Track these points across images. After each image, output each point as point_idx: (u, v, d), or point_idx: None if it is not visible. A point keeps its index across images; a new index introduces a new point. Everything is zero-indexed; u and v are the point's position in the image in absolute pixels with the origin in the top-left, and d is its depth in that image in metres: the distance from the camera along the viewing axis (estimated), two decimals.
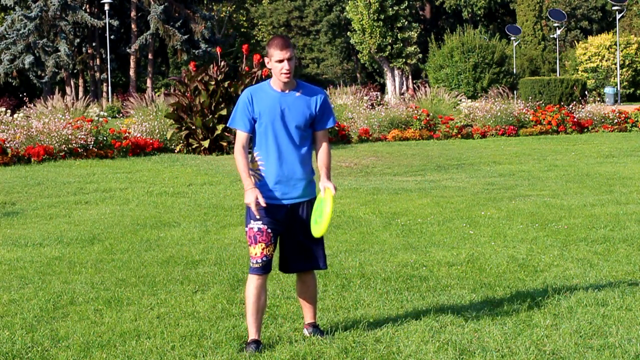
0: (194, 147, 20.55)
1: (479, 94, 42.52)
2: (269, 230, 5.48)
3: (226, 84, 20.39)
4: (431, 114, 25.60)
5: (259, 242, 5.47)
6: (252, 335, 5.52)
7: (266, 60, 5.50)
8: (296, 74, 60.68)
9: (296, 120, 5.49)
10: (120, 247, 9.35)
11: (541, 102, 32.81)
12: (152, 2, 53.52)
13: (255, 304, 5.50)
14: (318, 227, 5.46)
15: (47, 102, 25.27)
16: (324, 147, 5.68)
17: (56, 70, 52.63)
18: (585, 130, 27.04)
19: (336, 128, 23.55)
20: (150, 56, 56.36)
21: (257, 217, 5.43)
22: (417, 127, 25.02)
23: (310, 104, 5.54)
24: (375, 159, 19.06)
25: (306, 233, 5.57)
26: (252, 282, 5.53)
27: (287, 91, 5.52)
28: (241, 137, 5.51)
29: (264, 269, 5.51)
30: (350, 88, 30.25)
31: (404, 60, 46.25)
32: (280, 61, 5.42)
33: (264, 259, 5.48)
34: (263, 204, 5.35)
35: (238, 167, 5.49)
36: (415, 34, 46.73)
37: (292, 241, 5.59)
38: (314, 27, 71.70)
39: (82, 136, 19.32)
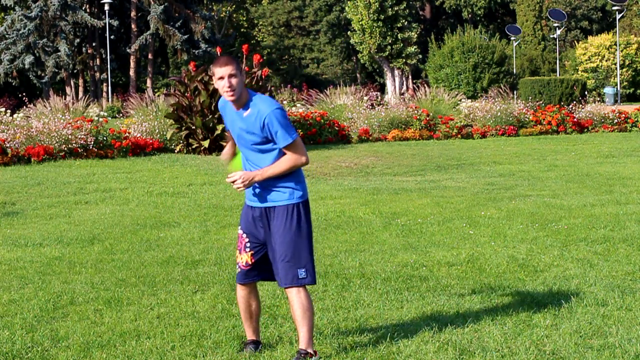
0: (194, 147, 20.55)
1: (479, 94, 42.52)
2: (244, 236, 5.37)
3: None
4: (431, 114, 25.59)
5: (237, 248, 5.43)
6: (250, 336, 5.54)
7: (213, 79, 5.25)
8: (296, 74, 60.00)
9: (249, 141, 5.23)
10: (120, 247, 9.35)
11: (541, 102, 32.79)
12: (152, 2, 53.52)
13: (246, 311, 5.47)
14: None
15: (47, 102, 25.26)
16: (285, 156, 5.21)
17: (56, 70, 52.62)
18: (585, 130, 27.04)
19: (336, 128, 23.56)
20: (150, 56, 56.36)
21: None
22: (417, 127, 25.02)
23: (255, 125, 5.16)
24: (375, 159, 19.06)
25: (272, 243, 5.24)
26: (237, 290, 5.49)
27: (238, 110, 5.26)
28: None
29: (238, 276, 5.41)
30: (350, 88, 30.21)
31: (404, 60, 46.23)
32: (221, 78, 5.13)
33: (237, 267, 5.42)
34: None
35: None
36: (415, 34, 46.71)
37: (268, 250, 5.33)
38: (314, 27, 71.71)
39: (82, 136, 19.31)
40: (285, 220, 5.20)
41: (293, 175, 5.26)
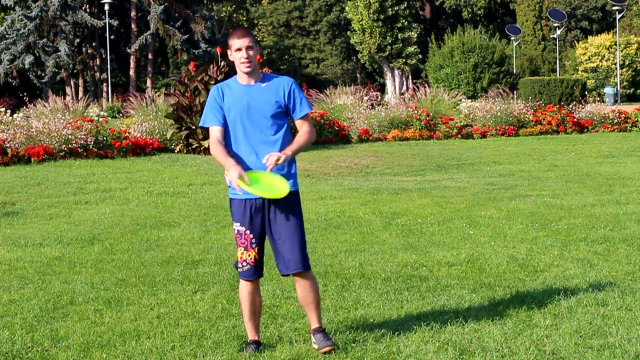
0: (194, 147, 20.55)
1: (479, 94, 42.51)
2: (247, 232, 5.36)
3: None
4: (431, 114, 25.59)
5: (239, 245, 5.39)
6: (251, 336, 5.52)
7: (228, 52, 5.39)
8: (296, 74, 60.13)
9: (264, 112, 5.32)
10: (120, 247, 9.35)
11: (541, 102, 32.80)
12: (152, 2, 53.51)
13: (250, 307, 5.46)
14: (271, 191, 5.19)
15: (47, 102, 25.26)
16: (302, 129, 5.44)
17: (56, 70, 52.62)
18: (585, 130, 27.04)
19: (336, 128, 23.56)
20: (150, 56, 56.35)
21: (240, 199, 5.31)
22: (417, 127, 25.02)
23: (278, 93, 5.37)
24: (375, 159, 19.06)
25: (283, 232, 5.34)
26: (242, 286, 5.47)
27: (252, 83, 5.39)
28: (215, 131, 5.38)
29: (247, 273, 5.39)
30: (350, 88, 30.21)
31: (404, 60, 46.22)
32: (239, 50, 5.31)
33: (244, 263, 5.39)
34: (247, 181, 5.11)
35: (216, 155, 5.32)
36: (415, 34, 46.70)
37: (274, 241, 5.39)
38: (314, 27, 71.72)
39: (82, 136, 19.32)
40: (294, 207, 5.37)
41: (294, 160, 5.41)
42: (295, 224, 5.36)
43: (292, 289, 6.93)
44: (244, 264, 5.39)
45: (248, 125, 5.33)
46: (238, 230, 5.39)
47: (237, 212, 5.38)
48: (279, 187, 5.21)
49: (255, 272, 5.41)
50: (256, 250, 5.38)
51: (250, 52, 5.31)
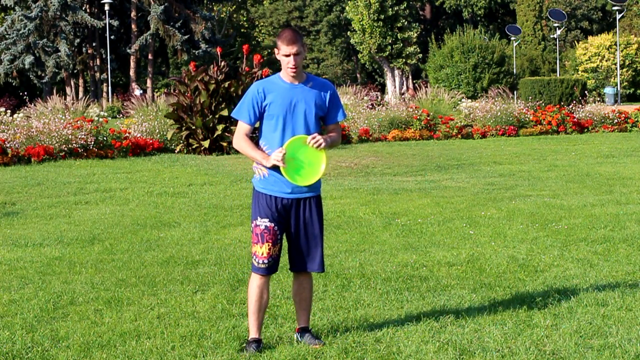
0: (194, 147, 20.55)
1: (479, 94, 42.52)
2: (276, 228, 5.42)
3: (226, 84, 20.39)
4: (431, 114, 25.59)
5: (266, 241, 5.41)
6: (253, 334, 5.52)
7: (275, 51, 5.47)
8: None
9: (307, 112, 5.44)
10: (120, 247, 9.35)
11: (541, 102, 32.81)
12: (152, 2, 53.51)
13: (258, 302, 5.48)
14: (303, 178, 5.36)
15: (47, 102, 25.26)
16: (336, 130, 5.66)
17: (56, 71, 52.62)
18: (585, 130, 27.04)
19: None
20: (150, 56, 56.34)
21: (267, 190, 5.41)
22: (417, 127, 25.02)
23: (321, 96, 5.50)
24: (375, 159, 19.06)
25: (307, 232, 5.49)
26: (256, 281, 5.49)
27: (297, 83, 5.47)
28: (243, 128, 5.47)
29: (270, 269, 5.45)
30: (351, 88, 30.22)
31: (404, 60, 46.25)
32: (287, 55, 5.38)
33: (270, 259, 5.43)
34: (283, 164, 5.28)
35: (244, 150, 5.43)
36: (415, 34, 46.73)
37: (294, 239, 5.51)
38: (314, 27, 71.71)
39: (82, 136, 19.32)
40: (320, 209, 5.54)
41: None
42: (320, 226, 5.53)
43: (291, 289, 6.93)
44: (269, 259, 5.43)
45: (288, 124, 5.41)
46: (266, 226, 5.41)
47: (265, 207, 5.42)
48: (310, 173, 5.37)
49: (275, 268, 5.50)
50: (279, 247, 5.48)
51: (298, 59, 5.39)
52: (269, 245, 5.41)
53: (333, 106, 5.56)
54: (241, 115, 5.46)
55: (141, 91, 50.27)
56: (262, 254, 5.41)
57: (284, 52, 5.38)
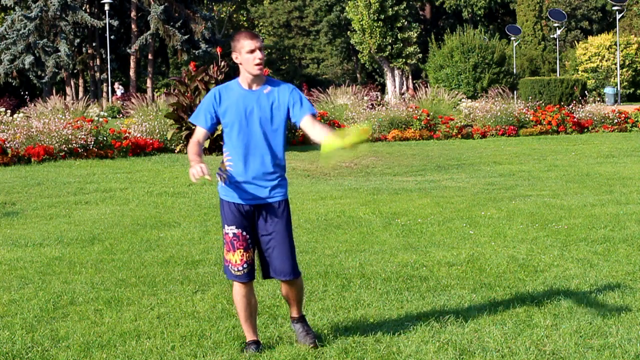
0: None
1: (479, 94, 42.51)
2: (245, 234, 5.33)
3: None
4: (431, 114, 25.59)
5: (237, 248, 5.34)
6: (250, 337, 5.51)
7: (234, 55, 5.30)
8: (296, 74, 59.94)
9: (264, 118, 5.27)
10: (120, 247, 9.35)
11: (541, 102, 32.80)
12: (152, 2, 53.49)
13: (247, 309, 5.43)
14: (334, 140, 4.86)
15: (47, 102, 25.26)
16: (316, 126, 5.24)
17: (56, 71, 52.59)
18: (585, 130, 27.04)
19: (336, 128, 23.54)
20: (150, 56, 56.32)
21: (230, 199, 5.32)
22: (417, 127, 25.02)
23: (280, 98, 5.30)
24: (375, 159, 19.06)
25: (273, 239, 5.34)
26: (239, 289, 5.41)
27: (255, 88, 5.31)
28: (199, 132, 5.37)
29: (250, 274, 5.38)
30: (350, 88, 30.21)
31: (404, 60, 46.22)
32: (252, 51, 5.22)
33: (245, 265, 5.35)
34: (208, 177, 5.13)
35: (188, 155, 5.34)
36: (415, 34, 46.71)
37: (261, 247, 5.39)
38: (314, 27, 71.70)
39: (82, 136, 19.32)
40: (287, 214, 5.37)
41: (284, 170, 5.40)
42: (286, 233, 5.34)
43: None
44: (244, 266, 5.35)
45: (245, 130, 5.29)
46: (234, 233, 5.33)
47: (230, 215, 5.35)
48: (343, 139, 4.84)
49: (253, 273, 5.41)
50: (252, 251, 5.38)
51: (262, 54, 5.25)
52: (241, 252, 5.33)
53: (295, 103, 5.30)
54: (197, 120, 5.37)
55: (122, 90, 50.40)
56: (236, 261, 5.34)
57: (250, 48, 5.21)
